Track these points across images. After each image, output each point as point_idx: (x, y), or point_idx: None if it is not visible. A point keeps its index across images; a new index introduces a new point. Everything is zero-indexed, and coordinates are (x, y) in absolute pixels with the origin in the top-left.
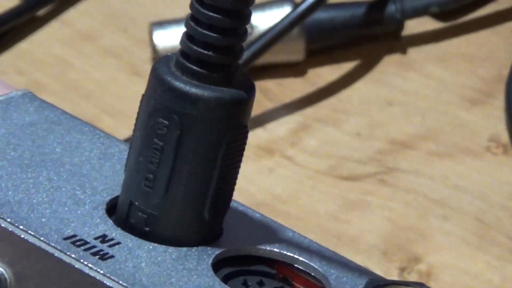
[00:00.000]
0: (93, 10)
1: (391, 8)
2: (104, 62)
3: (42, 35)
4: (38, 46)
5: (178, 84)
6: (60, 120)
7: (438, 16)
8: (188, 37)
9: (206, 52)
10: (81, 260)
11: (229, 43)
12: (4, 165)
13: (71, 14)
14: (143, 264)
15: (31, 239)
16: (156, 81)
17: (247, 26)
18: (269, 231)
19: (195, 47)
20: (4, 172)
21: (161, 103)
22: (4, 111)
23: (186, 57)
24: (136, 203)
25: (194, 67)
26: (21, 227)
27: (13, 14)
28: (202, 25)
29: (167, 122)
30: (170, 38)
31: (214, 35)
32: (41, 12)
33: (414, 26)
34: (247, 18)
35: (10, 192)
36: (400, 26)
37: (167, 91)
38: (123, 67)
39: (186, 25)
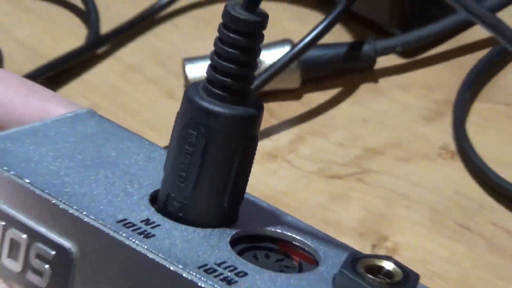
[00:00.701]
0: (139, 49)
1: (366, 47)
2: (147, 89)
3: (100, 68)
4: (97, 76)
5: (205, 104)
6: (115, 131)
7: (402, 54)
8: (212, 68)
9: (226, 79)
10: (130, 238)
11: (243, 73)
12: (72, 165)
13: (122, 52)
14: (177, 241)
15: (92, 222)
16: (188, 102)
17: (257, 60)
18: (274, 217)
19: (217, 75)
20: (72, 171)
21: (192, 119)
22: (72, 124)
23: (211, 83)
24: (172, 195)
25: (217, 91)
26: (84, 213)
27: (79, 52)
28: (223, 58)
29: (196, 133)
30: (197, 70)
31: (232, 66)
32: (100, 50)
33: (384, 61)
34: (257, 54)
35: (76, 186)
36: (373, 61)
37: (196, 109)
38: (161, 92)
39: (211, 59)
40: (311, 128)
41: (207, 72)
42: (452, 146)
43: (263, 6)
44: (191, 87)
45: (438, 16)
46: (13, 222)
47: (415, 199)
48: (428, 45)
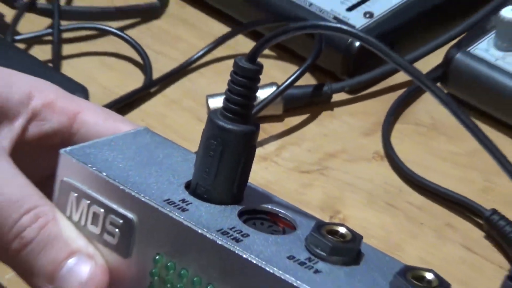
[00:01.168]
0: (178, 89)
1: (325, 88)
2: (183, 115)
3: (152, 101)
4: (150, 107)
5: (221, 123)
6: (162, 142)
7: (349, 92)
8: (226, 100)
9: (235, 107)
10: (171, 212)
11: (247, 103)
12: (133, 164)
13: (167, 91)
14: (203, 214)
15: (146, 200)
16: (210, 122)
17: (255, 95)
18: (266, 198)
19: (230, 105)
20: (133, 168)
21: (213, 133)
22: (134, 137)
23: (225, 109)
24: (200, 183)
25: (229, 115)
26: (142, 194)
27: (138, 91)
28: (233, 93)
29: (215, 143)
30: (216, 102)
31: (240, 98)
32: (152, 90)
33: (337, 97)
34: (255, 91)
35: (136, 178)
36: (330, 97)
37: (216, 127)
38: (193, 117)
39: (225, 93)
40: (290, 140)
41: (223, 102)
42: (382, 152)
43: (260, 59)
44: (212, 112)
45: (373, 66)
46: (94, 201)
47: (357, 187)
48: (366, 86)
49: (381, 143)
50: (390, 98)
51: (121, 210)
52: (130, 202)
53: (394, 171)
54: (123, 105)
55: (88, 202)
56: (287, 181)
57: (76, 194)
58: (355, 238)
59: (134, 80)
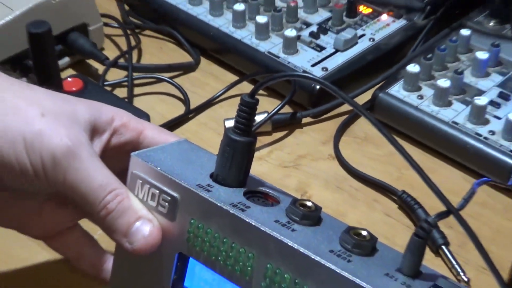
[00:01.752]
0: (206, 115)
1: (298, 114)
2: (209, 132)
3: (190, 124)
4: (189, 128)
5: (232, 136)
6: (197, 148)
7: (313, 117)
8: (236, 121)
9: (242, 126)
10: (200, 192)
11: (249, 124)
12: (178, 163)
13: (199, 117)
14: (221, 193)
15: (185, 185)
16: (226, 135)
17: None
18: (261, 183)
19: (238, 124)
20: (178, 165)
21: (227, 142)
22: (178, 145)
23: (235, 127)
24: (219, 174)
25: (238, 131)
26: (182, 181)
27: (181, 117)
28: (240, 117)
29: (228, 148)
30: (230, 123)
31: (244, 120)
32: (190, 116)
33: (305, 120)
34: (254, 116)
35: (179, 171)
36: (301, 120)
37: (229, 138)
38: (215, 133)
39: (235, 117)
40: (275, 147)
41: (233, 123)
42: (333, 154)
43: (257, 96)
44: (227, 129)
45: (328, 101)
46: (152, 186)
47: (319, 176)
48: (324, 113)
49: (333, 149)
50: (339, 121)
51: (169, 191)
52: (175, 186)
53: (341, 166)
54: (171, 125)
55: (149, 186)
56: (274, 173)
57: (141, 181)
58: (317, 208)
59: (178, 109)
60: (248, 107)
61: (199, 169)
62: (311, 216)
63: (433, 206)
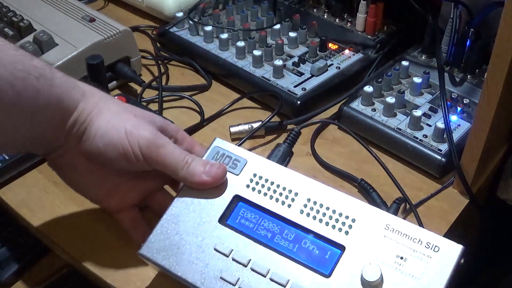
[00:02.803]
0: (217, 123)
1: (284, 122)
2: (218, 135)
3: (204, 130)
4: (203, 132)
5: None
6: (229, 145)
7: (296, 124)
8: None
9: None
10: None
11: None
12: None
13: (211, 124)
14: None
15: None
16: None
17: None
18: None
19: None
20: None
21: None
22: (216, 143)
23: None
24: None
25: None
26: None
27: (196, 125)
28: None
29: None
30: (234, 128)
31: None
32: (204, 124)
33: (290, 127)
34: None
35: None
36: (286, 127)
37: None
38: (222, 136)
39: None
40: (267, 147)
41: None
42: (310, 152)
43: (252, 109)
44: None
45: (308, 112)
46: (227, 154)
47: (300, 168)
48: (303, 121)
49: (309, 148)
50: (314, 127)
51: (240, 157)
52: (245, 154)
53: (316, 161)
54: (190, 130)
55: (224, 153)
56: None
57: (219, 151)
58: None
59: (195, 119)
60: None
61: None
62: None
63: (383, 190)
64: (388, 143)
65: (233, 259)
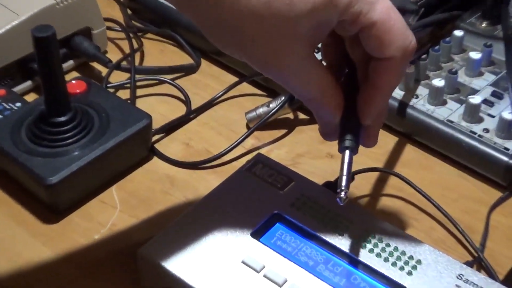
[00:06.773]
0: (205, 115)
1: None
2: (209, 131)
3: (192, 123)
4: (190, 127)
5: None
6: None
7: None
8: None
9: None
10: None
11: None
12: None
13: (201, 117)
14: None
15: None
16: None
17: None
18: None
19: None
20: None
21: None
22: None
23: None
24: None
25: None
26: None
27: (183, 117)
28: None
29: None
30: (249, 114)
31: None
32: (192, 116)
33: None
34: None
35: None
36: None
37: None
38: (216, 132)
39: None
40: (275, 146)
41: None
42: (332, 153)
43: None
44: None
45: None
46: (272, 170)
47: (316, 173)
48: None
49: (331, 147)
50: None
51: (287, 176)
52: (292, 175)
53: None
54: (173, 125)
55: (268, 169)
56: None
57: (262, 166)
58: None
59: (180, 110)
60: None
61: None
62: None
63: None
64: (435, 140)
65: (265, 276)
